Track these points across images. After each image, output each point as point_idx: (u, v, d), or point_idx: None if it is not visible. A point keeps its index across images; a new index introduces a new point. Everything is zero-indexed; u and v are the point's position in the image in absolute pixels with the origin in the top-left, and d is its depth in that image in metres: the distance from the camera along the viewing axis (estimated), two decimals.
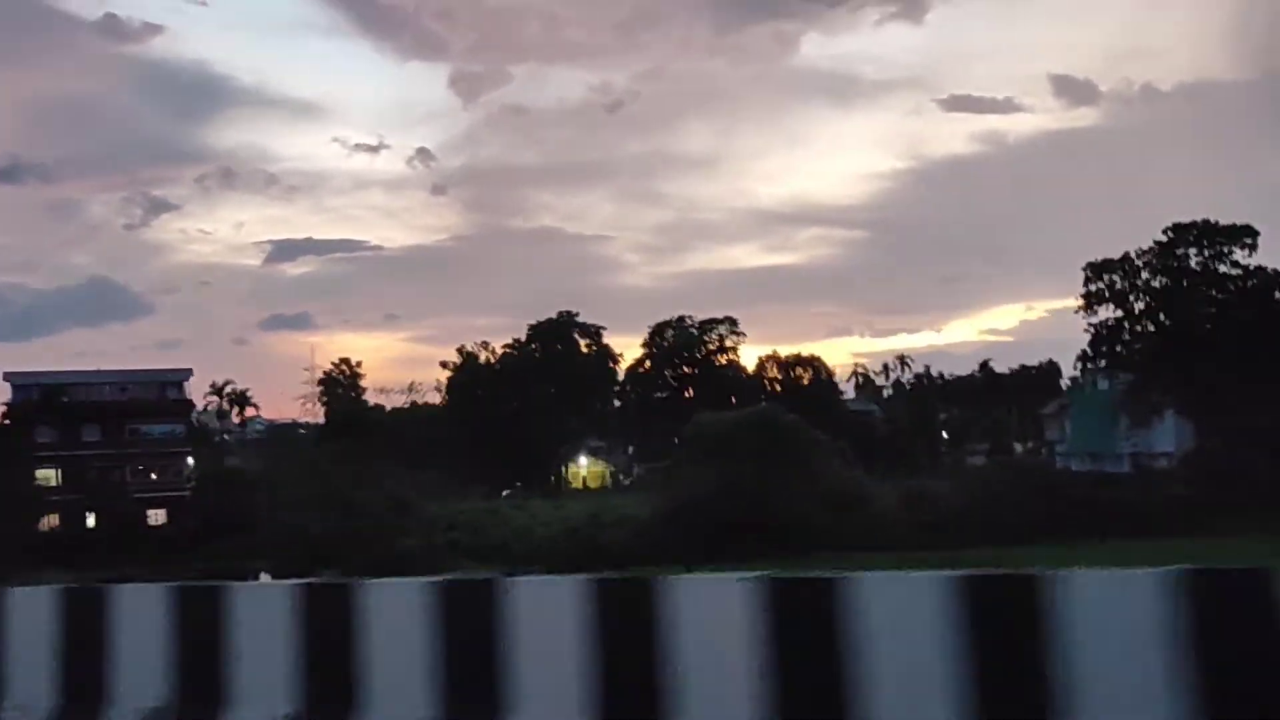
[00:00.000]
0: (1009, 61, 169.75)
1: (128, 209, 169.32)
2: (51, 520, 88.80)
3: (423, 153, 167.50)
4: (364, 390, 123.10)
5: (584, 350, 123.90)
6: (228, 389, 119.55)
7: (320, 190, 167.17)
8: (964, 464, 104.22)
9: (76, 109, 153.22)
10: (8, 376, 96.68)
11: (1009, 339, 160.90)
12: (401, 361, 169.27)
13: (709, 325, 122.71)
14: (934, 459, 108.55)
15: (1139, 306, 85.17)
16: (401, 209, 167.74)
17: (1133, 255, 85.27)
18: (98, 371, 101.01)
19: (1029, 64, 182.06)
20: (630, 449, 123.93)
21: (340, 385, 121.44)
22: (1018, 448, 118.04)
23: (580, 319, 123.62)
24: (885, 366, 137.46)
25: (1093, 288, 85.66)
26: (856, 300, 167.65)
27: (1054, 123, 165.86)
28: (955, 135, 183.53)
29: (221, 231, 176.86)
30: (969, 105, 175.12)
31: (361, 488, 76.36)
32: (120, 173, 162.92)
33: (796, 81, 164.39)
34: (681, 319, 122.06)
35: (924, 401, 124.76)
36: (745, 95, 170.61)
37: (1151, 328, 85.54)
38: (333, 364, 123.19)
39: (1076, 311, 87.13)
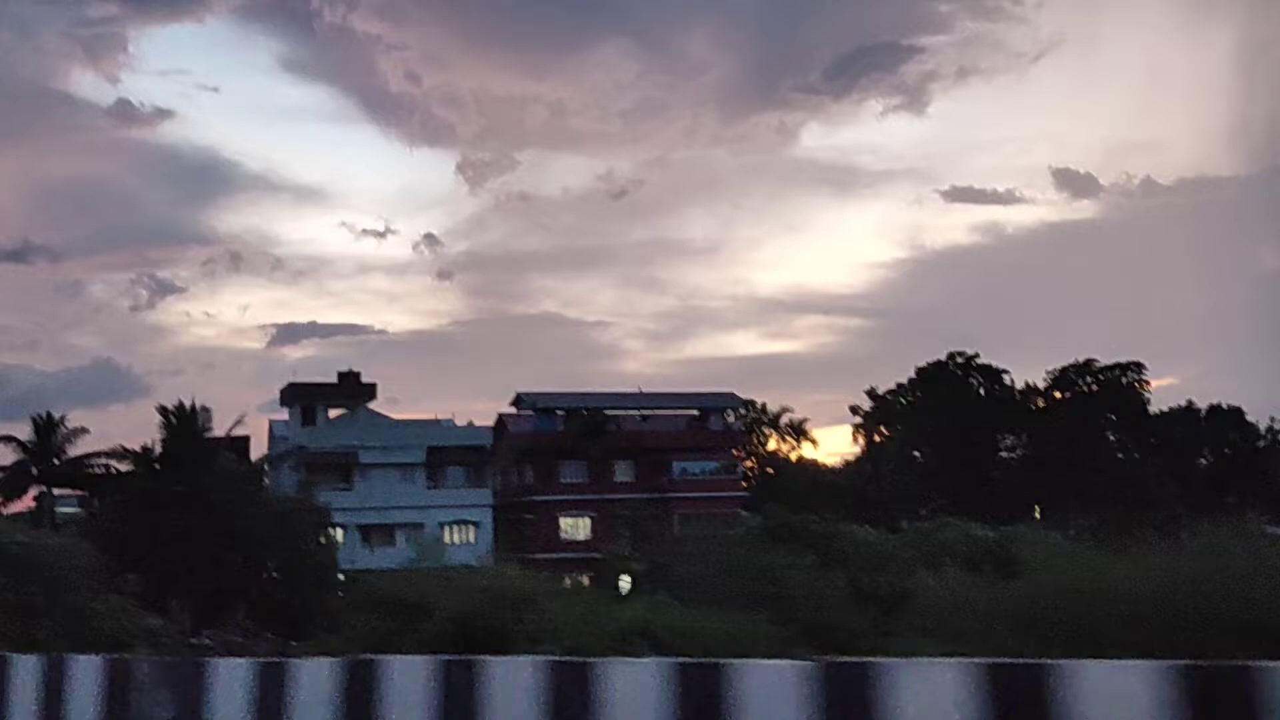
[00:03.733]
0: (1010, 153, 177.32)
1: (133, 291, 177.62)
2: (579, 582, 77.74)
3: (429, 238, 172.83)
4: None
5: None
6: None
7: (325, 274, 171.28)
8: None
9: (86, 191, 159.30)
10: (522, 398, 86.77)
11: None
12: None
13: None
14: None
15: None
16: (405, 293, 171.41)
17: None
18: (625, 394, 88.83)
19: (1030, 156, 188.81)
20: None
21: None
22: None
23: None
24: None
25: None
26: (854, 386, 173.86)
27: (1054, 214, 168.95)
28: (955, 225, 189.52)
29: (226, 314, 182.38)
30: (970, 196, 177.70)
31: None
32: (127, 255, 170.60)
33: (797, 171, 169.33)
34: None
35: None
36: (746, 184, 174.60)
37: None
38: None
39: None
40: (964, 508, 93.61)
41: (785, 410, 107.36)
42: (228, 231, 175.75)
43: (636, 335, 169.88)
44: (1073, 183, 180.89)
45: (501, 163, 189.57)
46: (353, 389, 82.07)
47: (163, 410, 73.22)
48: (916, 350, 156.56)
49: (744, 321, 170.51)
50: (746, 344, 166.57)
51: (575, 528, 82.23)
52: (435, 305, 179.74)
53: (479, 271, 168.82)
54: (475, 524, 78.93)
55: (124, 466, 76.67)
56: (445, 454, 79.98)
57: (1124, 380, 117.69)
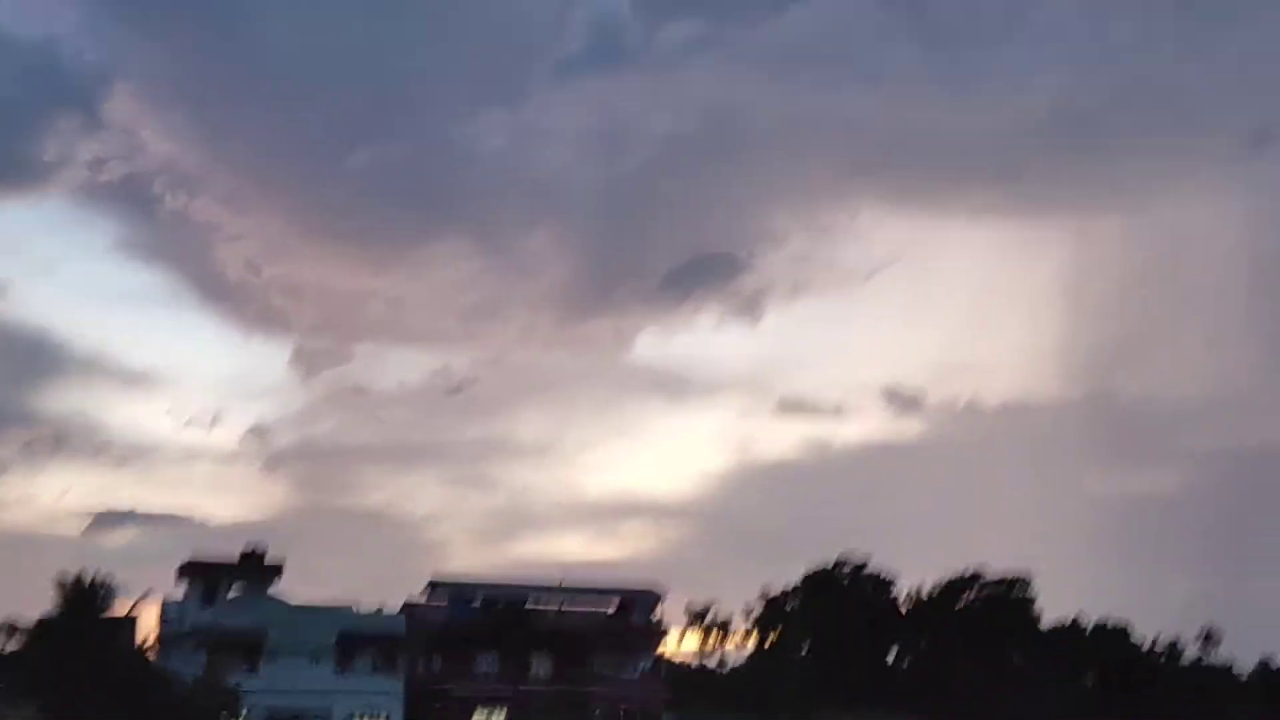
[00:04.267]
0: (841, 369, 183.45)
1: None
2: None
3: (258, 428, 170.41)
4: None
5: None
6: None
7: (150, 460, 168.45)
8: None
9: None
10: (436, 584, 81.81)
11: None
12: None
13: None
14: None
15: None
16: (231, 483, 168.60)
17: None
18: (543, 586, 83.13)
19: (860, 372, 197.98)
20: None
21: None
22: None
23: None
24: None
25: None
26: (680, 592, 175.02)
27: (882, 430, 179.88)
28: (785, 437, 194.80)
29: (43, 499, 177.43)
30: (800, 409, 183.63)
31: None
32: None
33: (632, 376, 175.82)
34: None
35: None
36: (580, 386, 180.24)
37: None
38: None
39: None
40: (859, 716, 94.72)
41: (711, 604, 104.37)
42: (52, 413, 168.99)
43: (464, 533, 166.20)
44: (900, 400, 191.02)
45: (337, 354, 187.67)
46: (257, 568, 77.22)
47: (61, 583, 68.51)
48: (744, 558, 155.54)
49: (572, 524, 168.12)
50: (574, 546, 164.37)
51: None
52: (261, 496, 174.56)
53: (308, 463, 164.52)
54: (384, 715, 74.05)
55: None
56: (356, 640, 75.20)
57: (1012, 593, 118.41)
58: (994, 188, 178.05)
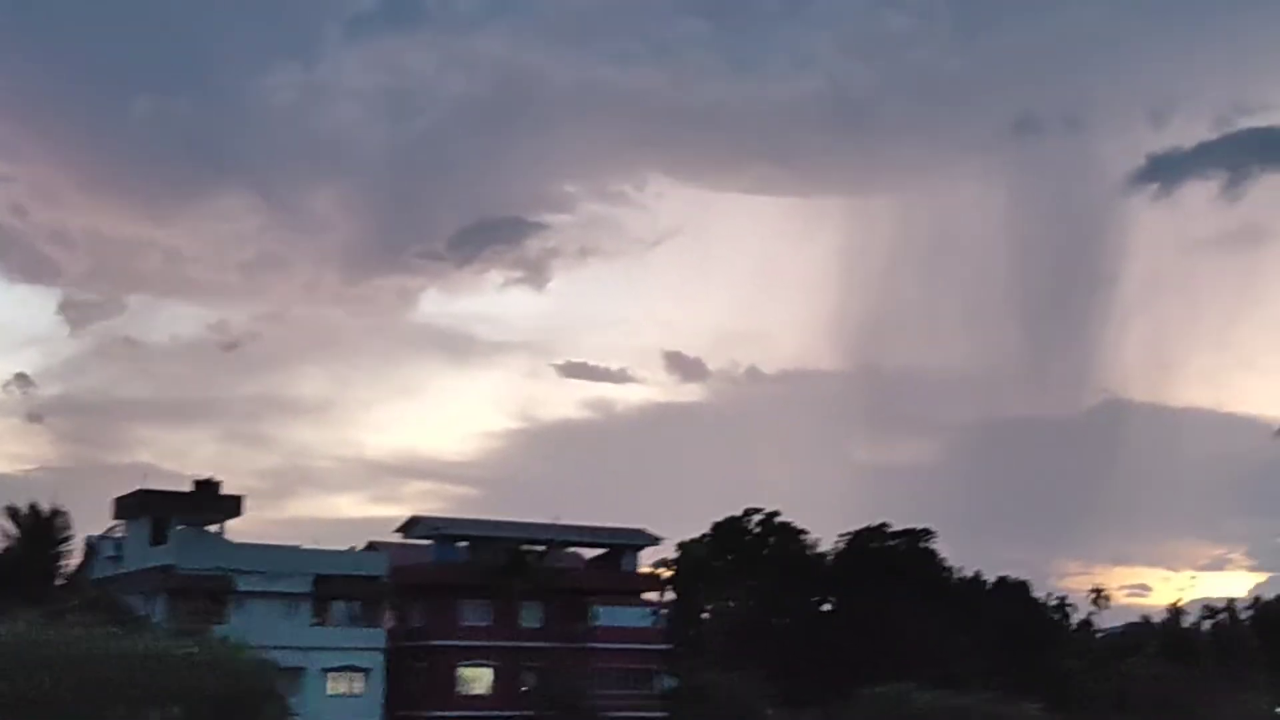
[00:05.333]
0: (624, 333, 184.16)
1: None
2: None
3: (20, 378, 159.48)
4: None
5: None
6: None
7: None
8: None
9: None
10: (418, 522, 74.14)
11: None
12: None
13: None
14: None
15: None
16: None
17: None
18: (535, 525, 74.98)
19: (643, 338, 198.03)
20: None
21: None
22: None
23: None
24: None
25: None
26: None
27: (663, 395, 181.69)
28: (568, 400, 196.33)
29: None
30: (584, 372, 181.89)
31: None
32: None
33: (416, 336, 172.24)
34: None
35: None
36: (363, 345, 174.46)
37: None
38: None
39: None
40: (790, 673, 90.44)
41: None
42: None
43: (236, 492, 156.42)
44: (682, 366, 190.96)
45: (108, 305, 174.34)
46: (212, 501, 67.36)
47: (12, 512, 58.69)
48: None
49: (351, 484, 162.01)
50: (352, 506, 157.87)
51: (475, 680, 70.12)
52: (22, 449, 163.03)
53: (74, 416, 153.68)
54: (364, 671, 65.43)
55: None
56: (333, 585, 66.10)
57: (919, 545, 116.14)
58: (773, 164, 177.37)
